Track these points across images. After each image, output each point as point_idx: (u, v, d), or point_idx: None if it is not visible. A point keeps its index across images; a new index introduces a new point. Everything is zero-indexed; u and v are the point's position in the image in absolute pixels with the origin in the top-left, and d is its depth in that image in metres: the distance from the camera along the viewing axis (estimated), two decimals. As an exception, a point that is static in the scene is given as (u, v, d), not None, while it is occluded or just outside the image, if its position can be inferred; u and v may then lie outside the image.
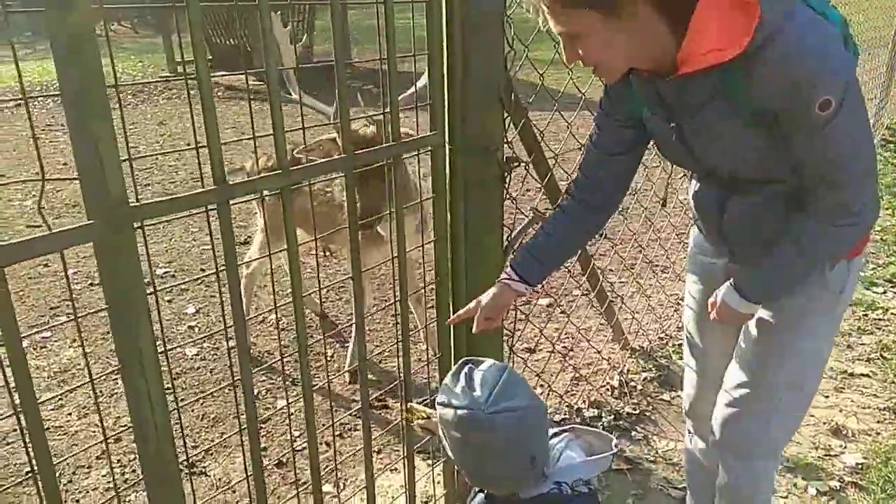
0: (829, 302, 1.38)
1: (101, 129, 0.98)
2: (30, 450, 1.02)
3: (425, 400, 1.56)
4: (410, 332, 1.68)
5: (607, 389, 2.74)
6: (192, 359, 3.07)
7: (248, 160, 3.15)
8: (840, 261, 1.34)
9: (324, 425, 2.31)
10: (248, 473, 1.37)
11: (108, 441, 1.19)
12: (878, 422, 2.52)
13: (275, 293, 1.54)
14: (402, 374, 1.68)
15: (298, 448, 2.30)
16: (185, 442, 1.30)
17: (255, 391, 2.40)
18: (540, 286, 1.69)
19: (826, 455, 2.35)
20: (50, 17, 0.91)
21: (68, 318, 3.45)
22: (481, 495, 1.26)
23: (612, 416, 2.56)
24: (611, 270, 3.64)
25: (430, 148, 1.62)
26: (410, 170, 2.60)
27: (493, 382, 1.08)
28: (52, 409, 2.66)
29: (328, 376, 2.29)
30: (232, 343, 1.26)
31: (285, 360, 2.89)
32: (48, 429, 2.51)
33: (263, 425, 2.50)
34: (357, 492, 2.18)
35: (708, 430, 1.62)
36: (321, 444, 2.27)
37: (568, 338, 3.14)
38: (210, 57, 9.72)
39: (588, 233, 1.65)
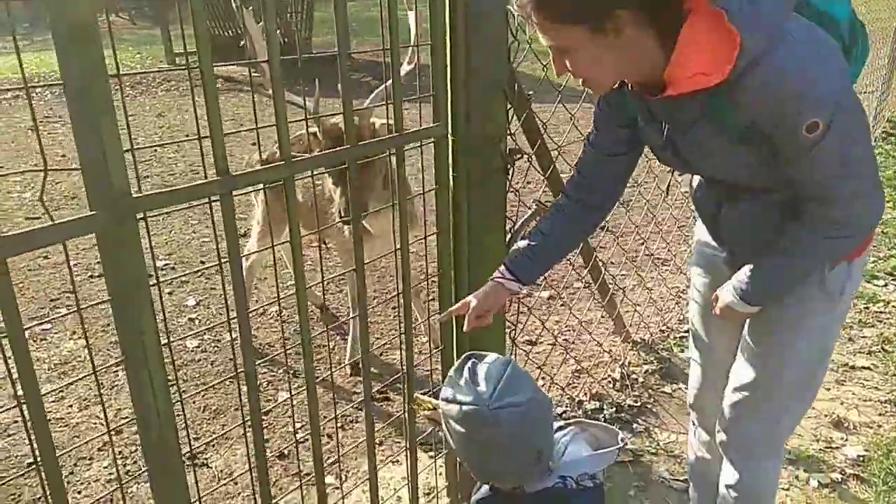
0: (829, 302, 1.37)
1: (104, 120, 0.98)
2: (33, 441, 1.02)
3: (428, 392, 1.56)
4: (413, 325, 1.68)
5: (609, 382, 2.74)
6: (192, 351, 3.07)
7: (246, 154, 3.14)
8: (840, 262, 1.33)
9: (325, 417, 2.31)
10: (252, 465, 1.37)
11: (107, 432, 1.18)
12: (880, 414, 2.53)
13: (277, 285, 1.53)
14: (404, 367, 1.68)
15: (300, 440, 2.30)
16: (188, 433, 1.30)
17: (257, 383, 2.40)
18: (541, 279, 1.69)
19: (827, 447, 2.35)
20: (51, 7, 0.90)
21: (68, 310, 3.44)
22: (486, 488, 1.25)
23: (614, 409, 2.56)
24: (612, 263, 3.63)
25: (432, 139, 1.61)
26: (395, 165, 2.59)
27: (496, 377, 1.08)
28: (53, 401, 2.66)
29: (331, 368, 2.29)
30: (233, 335, 1.25)
31: (285, 352, 2.89)
32: (49, 420, 2.52)
33: (265, 417, 2.50)
34: (359, 483, 2.18)
35: (712, 422, 1.62)
36: (323, 436, 2.27)
37: (569, 330, 3.14)
38: (209, 48, 9.64)
39: (585, 232, 1.66)
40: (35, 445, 1.02)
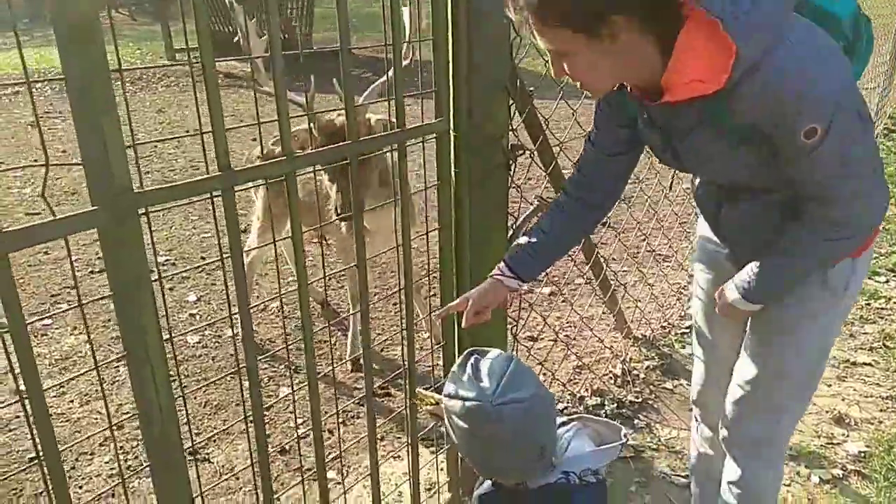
0: (832, 300, 1.37)
1: (106, 116, 0.97)
2: (35, 436, 1.02)
3: (429, 387, 1.56)
4: (414, 321, 1.68)
5: (610, 378, 2.74)
6: (193, 346, 3.07)
7: (246, 150, 3.13)
8: (843, 259, 1.33)
9: (326, 413, 2.31)
10: (254, 460, 1.37)
11: (109, 427, 1.18)
12: (881, 410, 2.53)
13: (279, 280, 1.53)
14: (405, 363, 1.68)
15: (301, 435, 2.31)
16: (190, 428, 1.29)
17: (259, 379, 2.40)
18: (542, 275, 1.69)
19: (829, 443, 2.35)
20: (53, 3, 0.90)
21: (69, 306, 3.44)
22: (488, 483, 1.25)
23: (615, 405, 2.56)
24: (613, 259, 3.63)
25: (434, 135, 1.61)
26: (390, 162, 2.58)
27: (499, 373, 1.07)
28: (55, 397, 2.66)
29: (332, 364, 2.29)
30: (234, 331, 1.25)
31: (285, 347, 2.89)
32: (50, 416, 2.52)
33: (266, 413, 2.51)
34: (360, 479, 2.18)
35: (715, 419, 1.62)
36: (324, 431, 2.27)
37: (570, 326, 3.14)
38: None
39: (585, 230, 1.66)
40: (37, 440, 1.02)
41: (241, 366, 1.30)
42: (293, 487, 2.00)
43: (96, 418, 2.57)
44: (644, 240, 3.55)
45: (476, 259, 1.74)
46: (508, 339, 1.98)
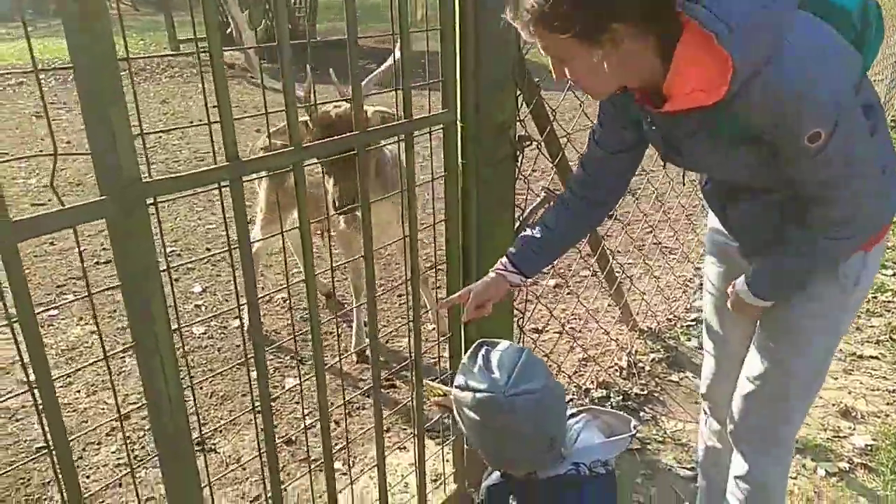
0: (842, 296, 1.36)
1: (114, 106, 0.97)
2: (45, 425, 1.02)
3: (435, 379, 1.56)
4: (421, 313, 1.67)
5: (615, 370, 2.73)
6: (199, 337, 3.08)
7: (250, 142, 3.12)
8: (853, 254, 1.32)
9: (332, 404, 2.31)
10: (261, 450, 1.37)
11: (118, 417, 1.18)
12: (888, 403, 2.52)
13: (287, 271, 1.52)
14: (412, 354, 1.68)
15: (308, 426, 2.31)
16: (199, 419, 1.30)
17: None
18: (548, 267, 1.68)
19: (835, 437, 2.35)
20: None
21: (75, 297, 3.45)
22: (496, 475, 1.25)
23: (621, 397, 2.56)
24: (619, 251, 3.62)
25: (441, 126, 1.60)
26: (389, 155, 2.57)
27: (511, 364, 1.07)
28: (61, 387, 2.67)
29: (339, 355, 2.29)
30: (242, 321, 1.25)
31: (291, 339, 2.90)
32: (57, 406, 2.53)
33: (273, 404, 2.51)
34: (366, 470, 2.19)
35: (723, 413, 1.62)
36: (330, 422, 2.28)
37: (576, 318, 3.14)
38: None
39: (590, 226, 1.66)
40: (47, 430, 1.02)
41: (249, 356, 1.30)
42: (300, 478, 2.00)
43: (103, 408, 2.58)
44: (650, 232, 3.54)
45: (483, 250, 1.73)
46: (515, 332, 1.97)
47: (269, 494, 1.41)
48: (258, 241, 3.07)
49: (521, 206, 1.86)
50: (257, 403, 1.33)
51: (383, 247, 2.05)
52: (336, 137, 1.40)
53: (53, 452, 1.04)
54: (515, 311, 1.99)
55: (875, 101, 1.17)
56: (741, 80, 1.05)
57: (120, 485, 2.19)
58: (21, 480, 2.22)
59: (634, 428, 1.18)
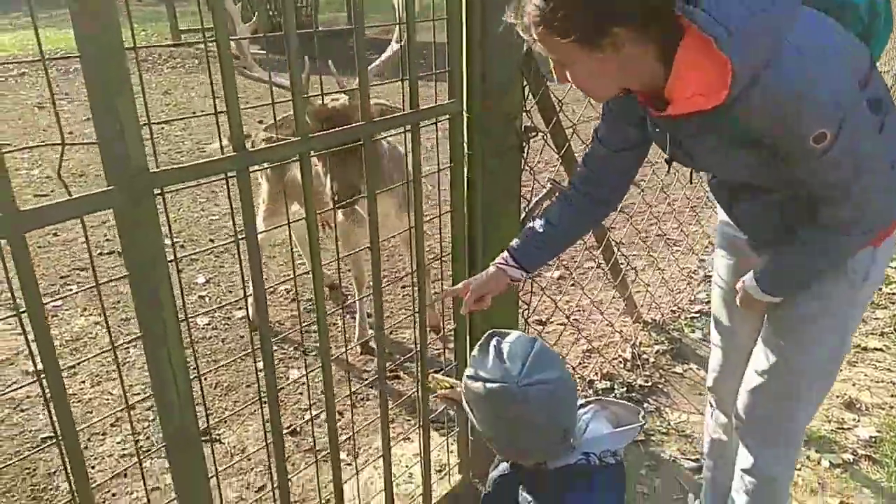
0: (850, 292, 1.36)
1: (121, 96, 0.96)
2: (52, 415, 1.02)
3: (440, 370, 1.56)
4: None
5: (620, 362, 2.73)
6: (203, 328, 3.08)
7: (253, 132, 3.10)
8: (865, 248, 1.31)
9: (337, 395, 2.31)
10: (267, 441, 1.37)
11: (125, 408, 1.19)
12: (892, 395, 2.52)
13: (293, 262, 1.52)
14: (417, 345, 1.68)
15: (312, 417, 2.31)
16: (206, 409, 1.30)
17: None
18: (553, 259, 1.68)
19: (839, 428, 2.35)
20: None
21: (79, 287, 3.45)
22: (504, 465, 1.25)
23: (625, 389, 2.56)
24: (624, 243, 3.62)
25: (447, 116, 1.59)
26: (386, 146, 2.55)
27: (524, 355, 1.07)
28: (66, 377, 2.66)
29: (346, 346, 2.29)
30: (243, 313, 1.25)
31: (296, 330, 2.90)
32: (63, 397, 2.53)
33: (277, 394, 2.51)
34: (371, 460, 2.19)
35: (730, 406, 1.61)
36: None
37: (580, 310, 3.14)
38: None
39: (594, 223, 1.66)
40: (55, 420, 1.02)
41: (255, 347, 1.30)
42: (304, 469, 2.01)
43: (107, 399, 2.59)
44: (655, 224, 3.53)
45: (488, 241, 1.73)
46: (521, 324, 1.97)
47: (276, 484, 1.42)
48: (261, 232, 3.07)
49: (527, 197, 1.85)
50: (263, 394, 1.33)
51: (385, 239, 2.05)
52: (345, 127, 1.39)
53: (61, 442, 1.04)
54: (520, 303, 1.99)
55: (884, 95, 1.16)
56: (741, 84, 1.04)
57: (125, 475, 2.20)
58: (27, 470, 2.22)
59: (643, 418, 1.18)
